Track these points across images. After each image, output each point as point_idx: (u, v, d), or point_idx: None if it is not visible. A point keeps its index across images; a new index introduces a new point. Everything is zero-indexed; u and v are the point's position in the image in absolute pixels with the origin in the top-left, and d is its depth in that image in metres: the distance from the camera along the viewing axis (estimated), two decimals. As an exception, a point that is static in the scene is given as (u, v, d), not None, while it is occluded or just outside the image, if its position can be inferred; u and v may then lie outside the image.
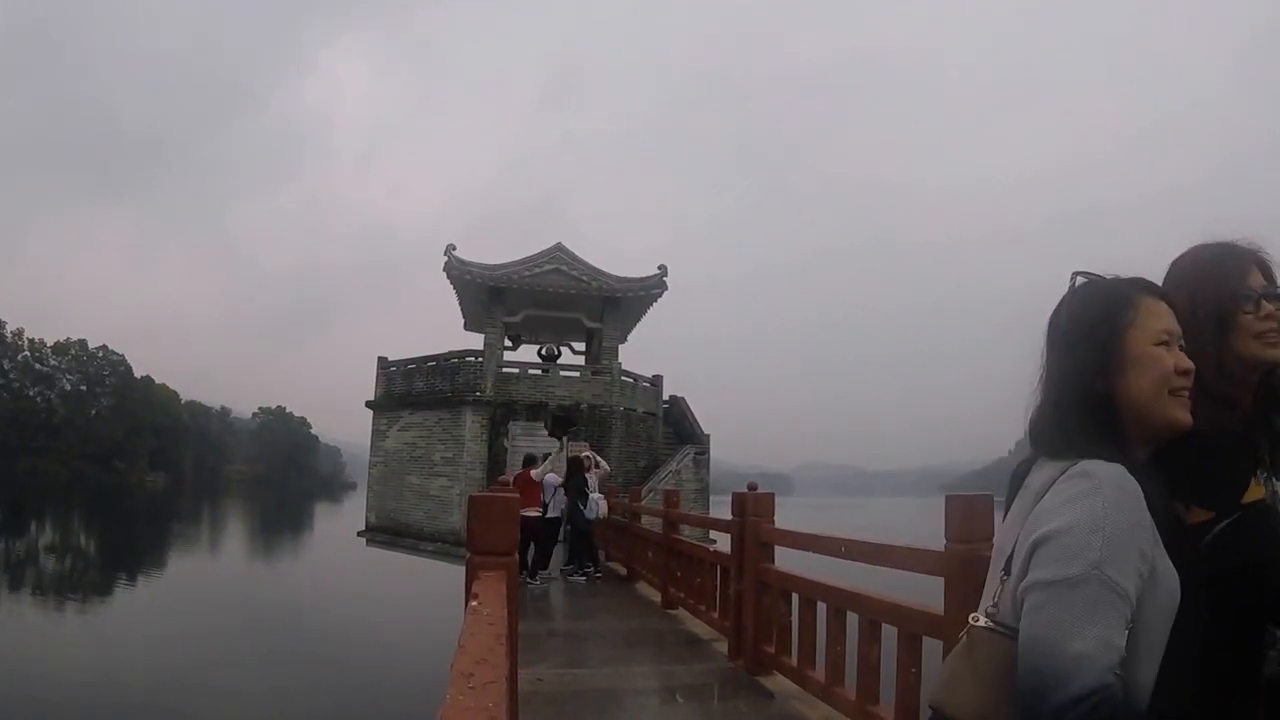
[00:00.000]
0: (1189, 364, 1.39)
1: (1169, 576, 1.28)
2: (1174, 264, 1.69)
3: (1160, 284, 1.64)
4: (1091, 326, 1.41)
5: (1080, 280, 1.47)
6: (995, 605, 1.35)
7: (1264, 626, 1.48)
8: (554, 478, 12.67)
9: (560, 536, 13.04)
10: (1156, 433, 1.40)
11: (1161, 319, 1.40)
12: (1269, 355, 1.58)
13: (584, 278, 22.71)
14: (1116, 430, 1.36)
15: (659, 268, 23.40)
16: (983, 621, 1.35)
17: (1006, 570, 1.35)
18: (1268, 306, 1.59)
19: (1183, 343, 1.42)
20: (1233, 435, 1.54)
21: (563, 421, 21.46)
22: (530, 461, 12.77)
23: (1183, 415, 1.38)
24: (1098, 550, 1.19)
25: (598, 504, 12.66)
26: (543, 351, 25.78)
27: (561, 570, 12.63)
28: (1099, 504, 1.23)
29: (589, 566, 12.35)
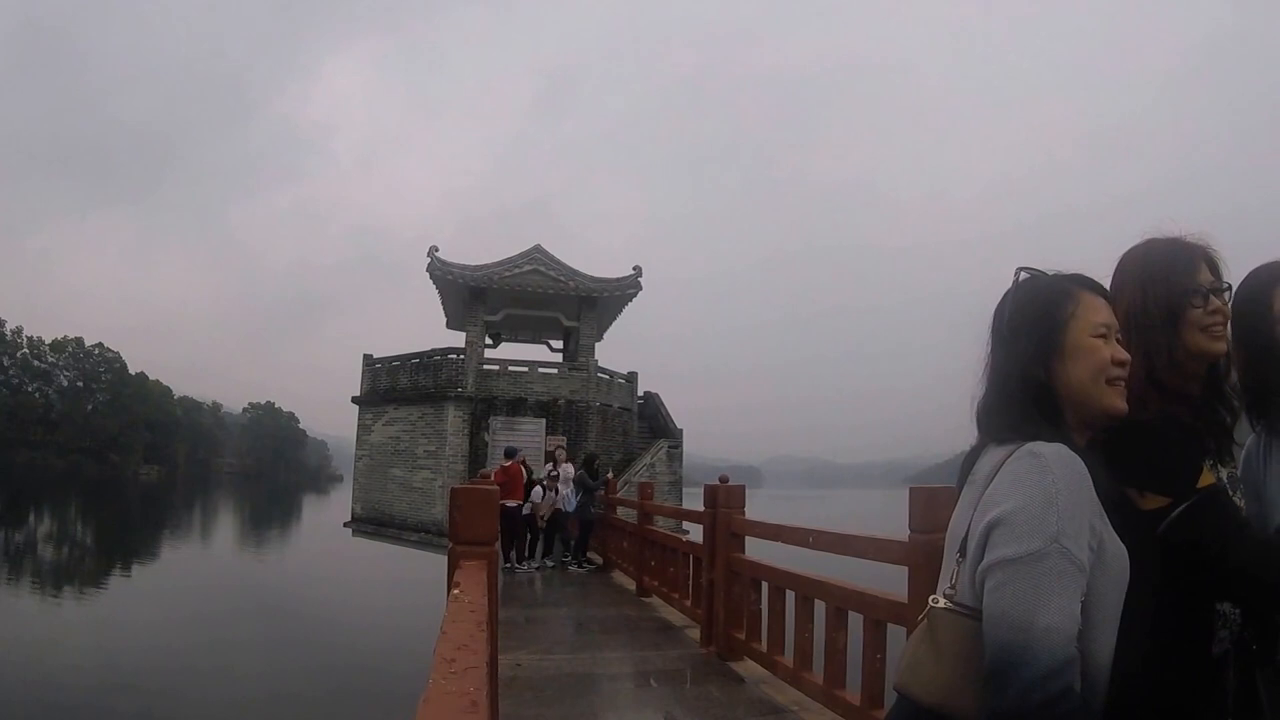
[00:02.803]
0: (1125, 355, 1.41)
1: (1117, 550, 1.30)
2: (1125, 256, 1.72)
3: (1111, 277, 1.67)
4: (1035, 319, 1.42)
5: (1024, 276, 1.49)
6: (953, 587, 1.35)
7: (1215, 606, 1.51)
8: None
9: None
10: (1094, 419, 1.42)
11: (1100, 312, 1.43)
12: (1214, 348, 1.63)
13: (562, 278, 22.63)
14: (1057, 416, 1.38)
15: (634, 268, 23.36)
16: (942, 603, 1.36)
17: (962, 552, 1.35)
18: (1214, 301, 1.63)
19: (1119, 336, 1.44)
20: (1183, 425, 1.56)
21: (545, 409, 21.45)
22: (512, 454, 12.69)
23: (1119, 403, 1.40)
24: (1054, 524, 1.21)
25: (555, 497, 12.67)
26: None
27: (560, 561, 12.62)
28: (1049, 481, 1.24)
29: (566, 556, 12.38)
